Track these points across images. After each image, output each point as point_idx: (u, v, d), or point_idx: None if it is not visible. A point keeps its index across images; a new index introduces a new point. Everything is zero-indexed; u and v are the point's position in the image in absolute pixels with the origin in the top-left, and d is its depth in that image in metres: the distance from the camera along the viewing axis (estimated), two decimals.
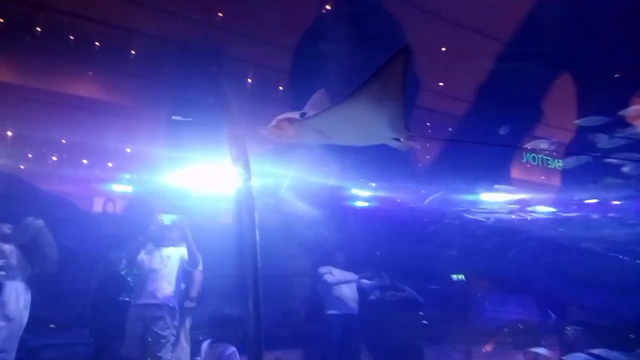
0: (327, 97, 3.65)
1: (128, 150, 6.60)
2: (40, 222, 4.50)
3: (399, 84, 2.63)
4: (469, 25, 7.10)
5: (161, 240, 5.18)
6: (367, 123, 2.80)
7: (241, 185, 5.03)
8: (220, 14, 7.10)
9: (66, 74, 6.55)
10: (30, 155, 6.38)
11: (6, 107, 6.02)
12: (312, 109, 3.37)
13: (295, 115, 3.08)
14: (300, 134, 3.04)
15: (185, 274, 5.28)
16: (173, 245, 5.30)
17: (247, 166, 5.20)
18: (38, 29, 6.37)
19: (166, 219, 5.51)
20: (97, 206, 6.51)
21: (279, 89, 8.35)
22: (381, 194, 6.40)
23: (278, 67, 7.63)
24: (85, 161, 6.73)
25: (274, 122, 3.05)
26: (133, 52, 6.75)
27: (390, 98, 2.58)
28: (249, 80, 7.94)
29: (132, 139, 6.21)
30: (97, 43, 6.53)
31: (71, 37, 6.20)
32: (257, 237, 4.64)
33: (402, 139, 2.90)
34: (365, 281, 5.91)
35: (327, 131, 2.91)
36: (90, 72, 6.74)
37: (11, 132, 6.19)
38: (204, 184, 5.56)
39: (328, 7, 7.21)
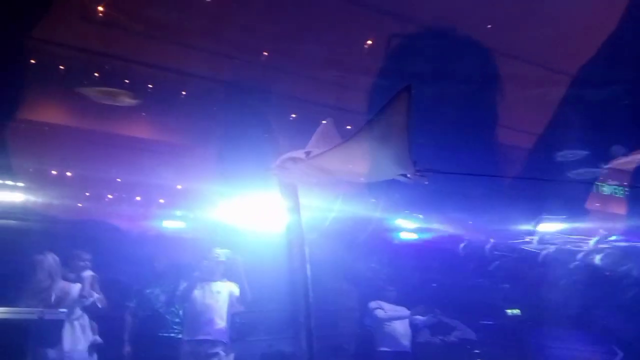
0: (334, 127, 3.61)
1: (179, 187, 6.80)
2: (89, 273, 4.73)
3: (403, 123, 2.52)
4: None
5: (212, 275, 5.27)
6: (373, 161, 2.82)
7: (291, 220, 5.06)
8: (266, 53, 7.32)
9: (122, 116, 6.88)
10: (87, 194, 6.66)
11: (67, 149, 6.36)
12: (318, 141, 3.35)
13: (300, 154, 3.05)
14: (306, 173, 3.07)
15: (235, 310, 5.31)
16: (223, 280, 5.38)
17: (296, 201, 5.23)
18: (96, 74, 6.78)
19: (218, 254, 5.61)
20: (151, 242, 6.69)
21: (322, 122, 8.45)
22: (431, 225, 6.27)
23: (323, 102, 7.74)
24: (139, 198, 6.97)
25: (278, 162, 3.02)
26: (184, 92, 7.04)
27: (395, 136, 2.58)
28: (293, 116, 8.08)
29: (184, 176, 6.40)
30: (150, 85, 6.86)
31: (126, 81, 6.54)
32: (308, 272, 4.62)
33: (409, 175, 2.95)
34: (417, 317, 5.75)
35: (333, 169, 2.94)
36: (143, 114, 7.06)
37: (71, 172, 6.53)
38: (254, 219, 5.63)
39: (370, 42, 7.30)
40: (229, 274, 5.48)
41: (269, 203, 5.50)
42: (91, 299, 4.82)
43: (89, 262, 5.00)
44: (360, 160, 2.79)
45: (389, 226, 6.01)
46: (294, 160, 2.99)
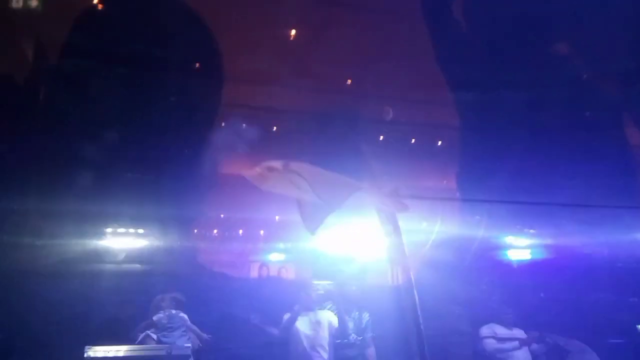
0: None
1: (277, 218, 7.01)
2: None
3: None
4: None
5: (311, 306, 5.30)
6: (339, 186, 2.88)
7: (392, 245, 4.95)
8: (349, 81, 7.45)
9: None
10: (195, 231, 7.09)
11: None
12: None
13: (278, 164, 2.92)
14: (279, 184, 2.87)
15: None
16: (321, 310, 5.39)
17: (396, 225, 5.12)
18: None
19: (317, 286, 5.64)
20: (253, 275, 6.92)
21: (411, 142, 8.38)
22: (546, 241, 5.81)
23: (413, 121, 7.70)
24: (240, 232, 7.30)
25: (258, 168, 2.97)
26: (275, 128, 7.34)
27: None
28: (382, 138, 8.08)
29: (282, 209, 6.60)
30: (243, 125, 7.24)
31: (222, 124, 6.95)
32: (416, 297, 4.47)
33: (391, 202, 2.97)
34: (534, 341, 5.30)
35: (305, 186, 2.81)
36: (241, 151, 7.45)
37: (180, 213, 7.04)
38: (354, 246, 5.61)
39: None
40: (328, 305, 5.48)
41: (368, 229, 5.44)
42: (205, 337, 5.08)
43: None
44: (330, 185, 2.83)
45: (497, 244, 5.67)
46: (270, 168, 2.93)
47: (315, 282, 5.84)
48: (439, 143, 8.25)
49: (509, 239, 5.80)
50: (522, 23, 6.10)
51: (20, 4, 5.84)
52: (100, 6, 6.14)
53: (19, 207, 5.42)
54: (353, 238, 5.57)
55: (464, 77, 6.66)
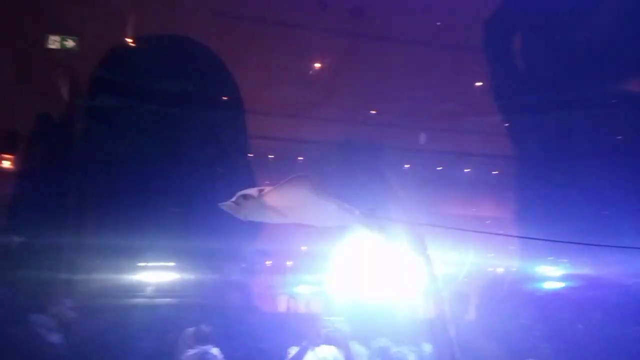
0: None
1: (305, 249, 6.98)
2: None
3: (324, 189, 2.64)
4: None
5: (317, 340, 5.22)
6: (318, 205, 2.79)
7: (425, 277, 4.84)
8: (374, 112, 7.51)
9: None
10: (225, 263, 7.09)
11: None
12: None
13: (254, 192, 2.86)
14: (256, 211, 2.84)
15: None
16: (327, 344, 5.30)
17: (427, 256, 5.02)
18: None
19: (329, 320, 5.55)
20: (281, 308, 6.86)
21: (437, 169, 8.32)
22: (582, 271, 5.61)
23: (437, 149, 7.67)
24: (269, 263, 7.28)
25: (233, 198, 2.92)
26: (301, 158, 7.40)
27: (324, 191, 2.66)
28: (407, 166, 8.06)
29: (307, 241, 6.57)
30: (270, 156, 7.32)
31: (250, 155, 7.04)
32: (452, 332, 4.34)
33: (366, 222, 2.92)
34: None
35: (282, 210, 2.85)
36: (267, 182, 7.51)
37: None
38: (380, 277, 5.50)
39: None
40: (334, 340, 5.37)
41: (396, 261, 5.33)
42: None
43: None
44: (302, 203, 2.76)
45: (533, 275, 5.49)
46: (246, 196, 2.90)
47: (327, 317, 5.74)
48: (467, 170, 8.17)
49: (545, 270, 5.62)
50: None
51: (58, 44, 6.10)
52: (130, 46, 6.36)
53: (55, 242, 5.53)
54: (380, 270, 5.48)
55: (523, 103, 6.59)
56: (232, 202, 2.83)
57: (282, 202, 2.79)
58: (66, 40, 6.10)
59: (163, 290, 5.71)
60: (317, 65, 6.83)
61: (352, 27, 6.61)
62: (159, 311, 5.44)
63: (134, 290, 5.79)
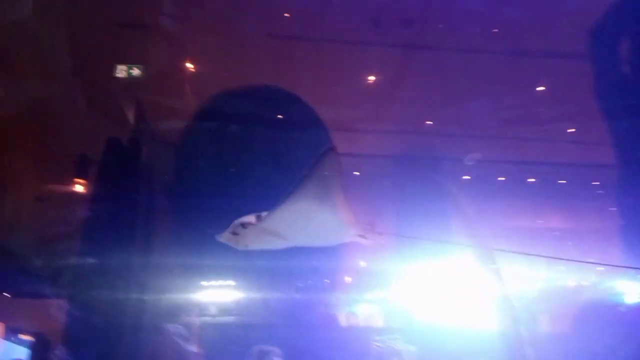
0: None
1: (364, 266, 6.90)
2: None
3: (335, 184, 2.38)
4: None
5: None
6: (318, 221, 2.70)
7: (496, 293, 4.61)
8: (430, 122, 7.37)
9: None
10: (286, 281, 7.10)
11: None
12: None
13: (252, 218, 2.76)
14: (257, 238, 2.75)
15: None
16: None
17: (497, 271, 4.80)
18: None
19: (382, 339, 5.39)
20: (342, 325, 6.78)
21: (499, 180, 8.04)
22: None
23: (494, 158, 7.42)
24: (327, 281, 7.25)
25: (230, 228, 2.77)
26: (357, 173, 7.37)
27: (330, 196, 2.45)
28: (467, 178, 7.83)
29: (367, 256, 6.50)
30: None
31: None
32: (530, 353, 4.09)
33: (366, 236, 2.71)
34: None
35: (283, 232, 2.78)
36: None
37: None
38: (447, 294, 5.32)
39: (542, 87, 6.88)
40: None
41: (464, 277, 5.14)
42: None
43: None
44: (304, 220, 2.63)
45: (614, 290, 5.11)
46: (244, 225, 2.78)
47: (385, 335, 5.60)
48: (530, 180, 7.82)
49: (628, 284, 5.20)
50: None
51: (125, 73, 6.43)
52: (192, 70, 6.62)
53: (124, 261, 5.76)
54: (448, 286, 5.29)
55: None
56: (230, 232, 2.76)
57: (283, 224, 2.70)
58: (132, 69, 6.43)
59: (227, 309, 5.81)
60: (373, 78, 6.81)
61: (405, 40, 6.55)
62: (224, 330, 5.52)
63: (200, 308, 5.93)
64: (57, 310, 6.12)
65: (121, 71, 6.44)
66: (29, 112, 5.45)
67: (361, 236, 2.74)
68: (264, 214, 2.71)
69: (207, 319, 5.79)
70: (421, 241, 3.95)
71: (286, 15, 6.29)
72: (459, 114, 7.19)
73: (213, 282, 5.96)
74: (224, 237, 2.77)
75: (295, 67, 6.62)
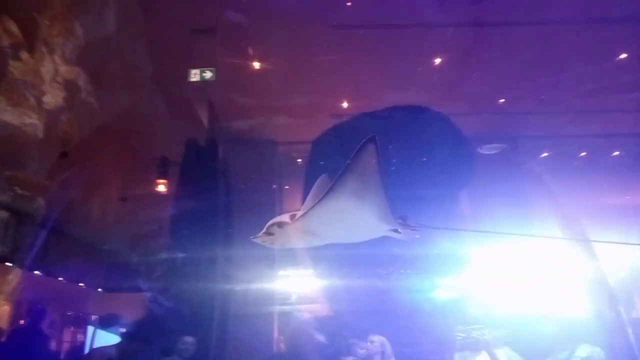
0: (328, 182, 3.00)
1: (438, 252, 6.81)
2: None
3: (374, 174, 2.26)
4: None
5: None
6: (354, 217, 2.56)
7: (592, 275, 4.43)
8: (502, 100, 7.12)
9: None
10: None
11: None
12: (313, 198, 2.85)
13: (286, 218, 2.66)
14: (293, 237, 2.65)
15: None
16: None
17: (592, 253, 4.60)
18: None
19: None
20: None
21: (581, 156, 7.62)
22: None
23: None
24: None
25: (264, 229, 2.67)
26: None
27: (369, 188, 2.33)
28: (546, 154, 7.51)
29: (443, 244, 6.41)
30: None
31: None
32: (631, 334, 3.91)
33: (400, 230, 2.62)
34: None
35: (319, 231, 2.66)
36: None
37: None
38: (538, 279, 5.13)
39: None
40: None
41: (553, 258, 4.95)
42: None
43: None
44: (340, 218, 2.56)
45: None
46: (280, 224, 2.69)
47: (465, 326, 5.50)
48: (615, 154, 7.34)
49: None
50: None
51: (198, 76, 6.69)
52: (260, 68, 6.76)
53: (208, 255, 6.07)
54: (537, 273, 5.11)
55: None
56: (265, 233, 2.76)
57: (319, 222, 2.69)
58: (205, 72, 6.68)
59: (308, 298, 5.97)
60: (441, 59, 6.64)
61: (473, 17, 6.31)
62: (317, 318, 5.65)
63: (282, 297, 6.14)
64: (151, 302, 6.58)
65: (195, 75, 6.70)
66: (117, 120, 5.82)
67: (394, 231, 2.72)
68: (298, 213, 2.69)
69: (290, 307, 5.97)
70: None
71: (348, 4, 6.26)
72: (534, 90, 6.87)
73: (295, 272, 6.14)
74: (260, 238, 2.74)
75: (361, 55, 6.58)
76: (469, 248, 5.57)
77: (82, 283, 7.85)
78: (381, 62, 6.57)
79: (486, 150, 6.91)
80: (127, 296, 7.28)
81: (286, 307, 6.50)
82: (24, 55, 4.07)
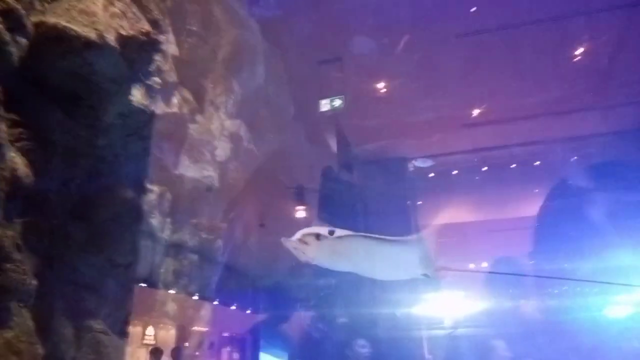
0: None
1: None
2: None
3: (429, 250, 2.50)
4: None
5: None
6: (395, 260, 2.63)
7: None
8: None
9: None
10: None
11: None
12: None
13: (324, 231, 2.56)
14: (325, 252, 2.59)
15: None
16: None
17: None
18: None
19: None
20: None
21: None
22: None
23: None
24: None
25: (299, 235, 2.53)
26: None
27: (423, 246, 2.49)
28: None
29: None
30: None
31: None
32: None
33: (430, 274, 2.66)
34: None
35: (353, 256, 2.64)
36: None
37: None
38: None
39: None
40: None
41: None
42: None
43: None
44: (383, 256, 2.65)
45: None
46: (318, 236, 2.50)
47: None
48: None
49: None
50: None
51: (328, 106, 6.95)
52: (387, 88, 6.84)
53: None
54: None
55: None
56: (299, 240, 2.67)
57: (361, 250, 2.66)
58: (334, 101, 6.93)
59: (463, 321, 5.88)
60: (582, 50, 6.11)
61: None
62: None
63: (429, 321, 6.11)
64: (306, 325, 6.90)
65: (324, 105, 6.96)
66: (268, 160, 6.26)
67: (425, 275, 2.69)
68: (337, 230, 2.63)
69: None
70: None
71: (472, 10, 6.08)
72: None
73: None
74: (290, 243, 2.63)
75: (489, 62, 6.35)
76: None
77: (249, 310, 8.64)
78: (508, 64, 6.28)
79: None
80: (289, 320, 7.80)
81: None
82: (199, 117, 4.61)
